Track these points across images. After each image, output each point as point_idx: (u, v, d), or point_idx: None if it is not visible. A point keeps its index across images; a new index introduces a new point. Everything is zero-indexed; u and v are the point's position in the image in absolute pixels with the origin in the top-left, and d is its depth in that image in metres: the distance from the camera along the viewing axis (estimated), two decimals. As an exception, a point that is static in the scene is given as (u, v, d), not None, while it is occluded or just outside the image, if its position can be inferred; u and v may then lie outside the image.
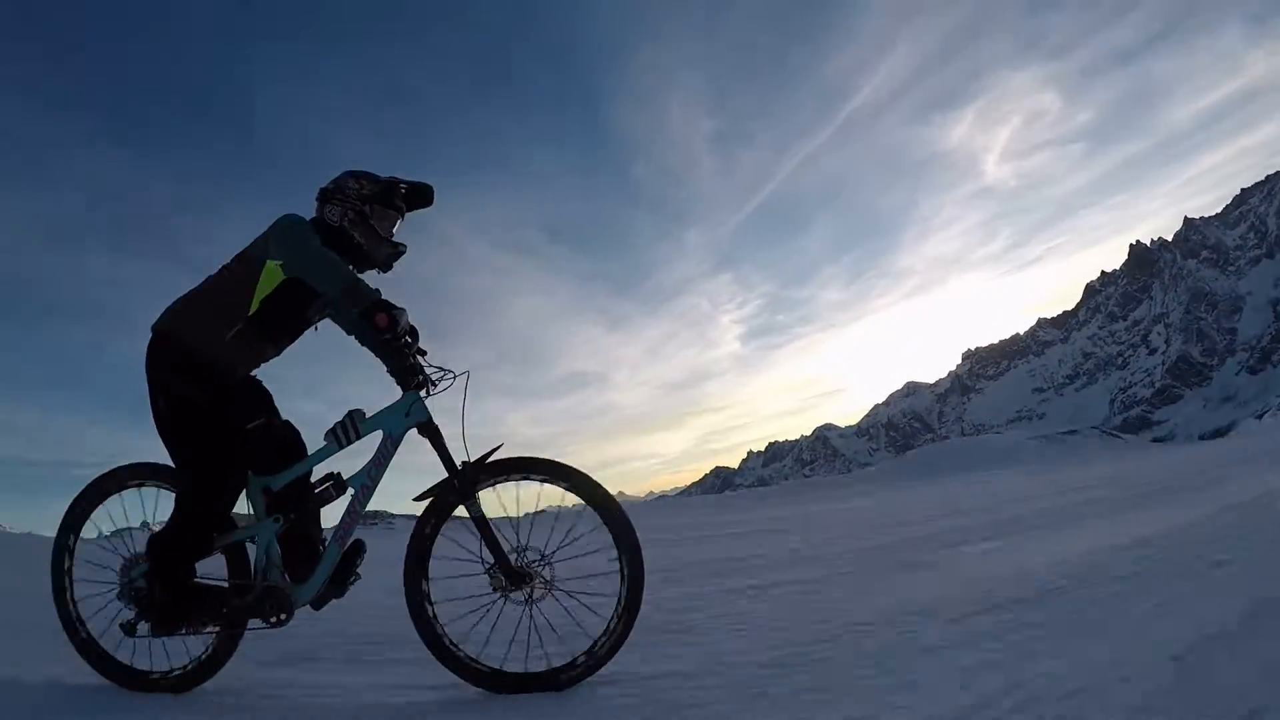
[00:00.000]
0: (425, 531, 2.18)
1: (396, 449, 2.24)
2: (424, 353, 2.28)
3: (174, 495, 2.25)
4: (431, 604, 2.16)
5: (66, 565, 2.37)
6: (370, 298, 2.01)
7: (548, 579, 2.15)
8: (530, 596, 2.13)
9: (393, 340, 2.05)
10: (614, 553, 2.13)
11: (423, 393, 2.21)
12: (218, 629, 2.22)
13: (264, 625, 2.19)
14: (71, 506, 2.39)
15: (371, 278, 2.34)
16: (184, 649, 2.28)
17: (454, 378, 2.28)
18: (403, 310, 2.03)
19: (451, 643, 2.13)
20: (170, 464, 2.25)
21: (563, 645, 2.13)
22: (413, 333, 2.24)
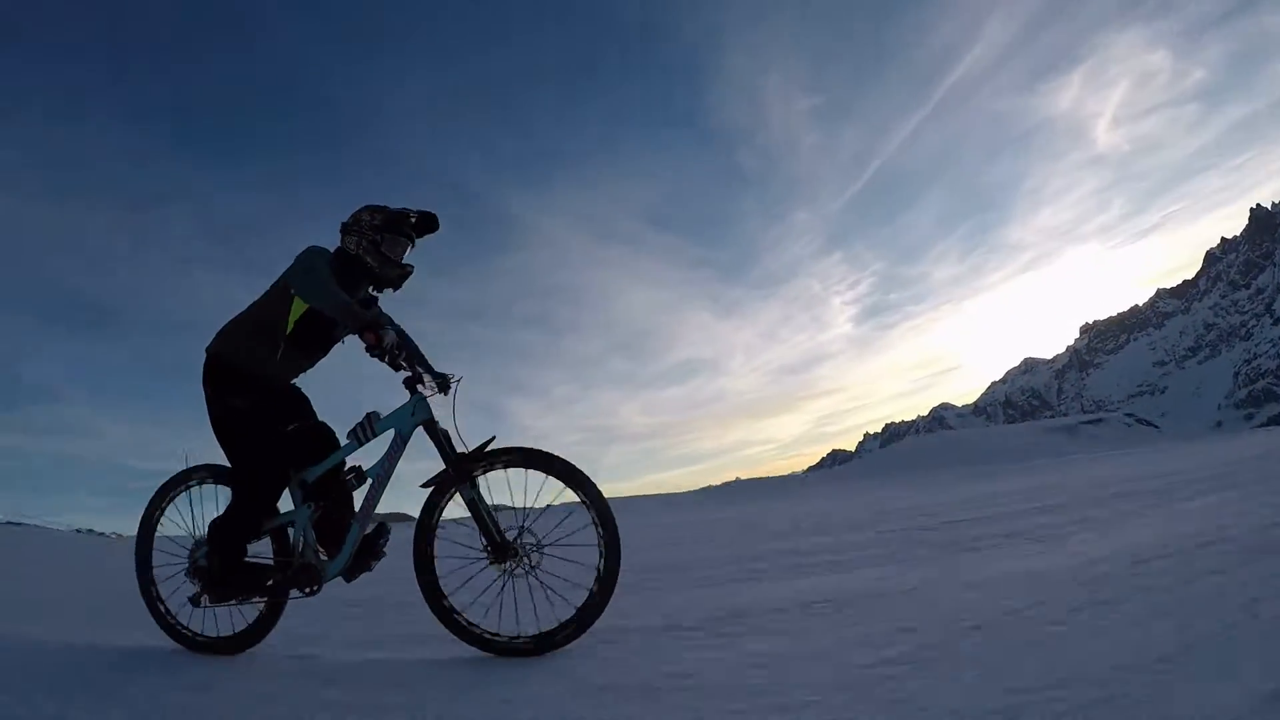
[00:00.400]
0: (430, 513, 2.54)
1: (406, 444, 2.61)
2: (424, 360, 2.66)
3: (229, 489, 2.71)
4: (436, 574, 2.51)
5: (147, 549, 2.85)
6: (360, 321, 2.39)
7: (533, 553, 2.47)
8: (508, 570, 2.45)
9: (379, 355, 2.44)
10: (595, 530, 2.43)
11: (428, 394, 2.58)
12: (264, 599, 2.64)
13: (300, 595, 2.60)
14: (151, 500, 2.88)
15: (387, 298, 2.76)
16: (241, 617, 2.71)
17: (457, 381, 2.65)
18: (388, 330, 2.40)
19: (453, 608, 2.47)
20: (226, 464, 2.70)
21: (551, 613, 2.43)
22: (409, 345, 2.63)
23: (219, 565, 2.56)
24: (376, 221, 2.64)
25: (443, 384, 2.66)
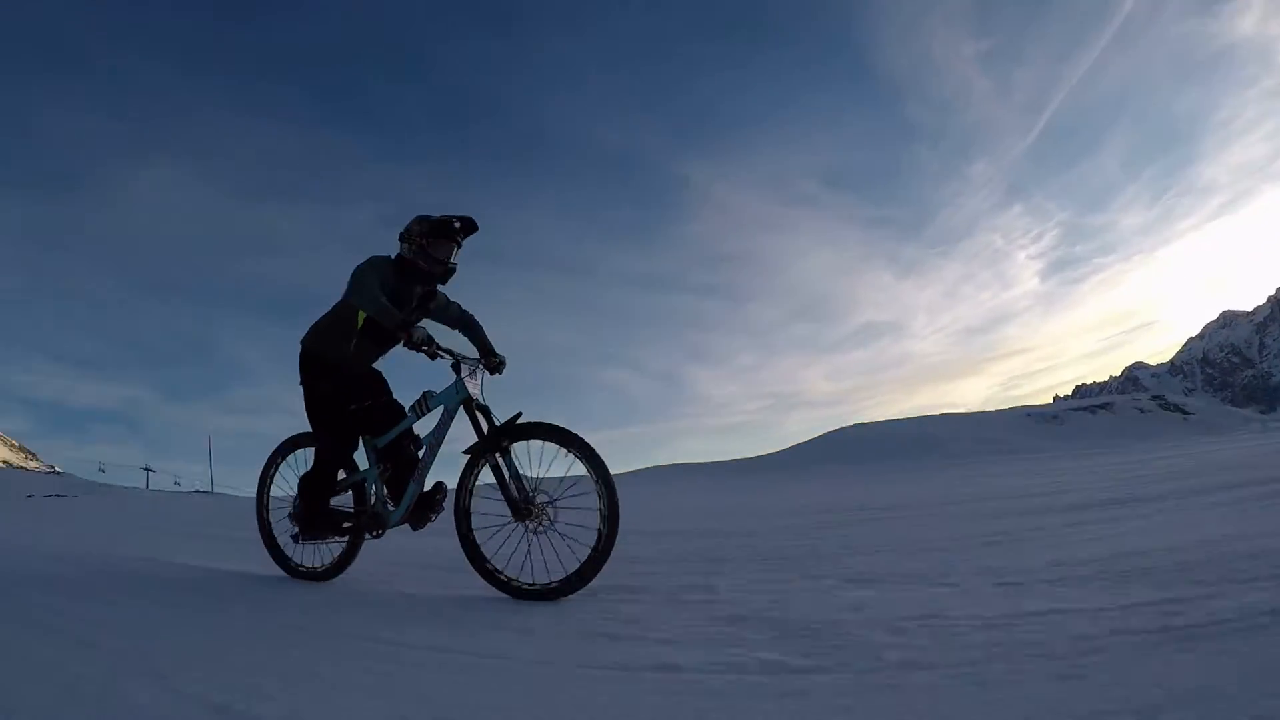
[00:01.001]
0: (467, 476, 3.01)
1: (453, 418, 3.09)
2: (451, 352, 3.08)
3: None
4: (471, 528, 2.97)
5: (264, 498, 3.59)
6: (393, 321, 2.89)
7: (547, 513, 2.87)
8: (532, 528, 2.86)
9: (413, 348, 2.94)
10: (597, 499, 2.78)
11: (465, 376, 3.05)
12: (343, 540, 3.27)
13: (371, 537, 3.19)
14: (266, 461, 3.61)
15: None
16: (329, 552, 3.36)
17: (478, 366, 3.15)
18: (417, 328, 2.91)
19: (485, 557, 2.92)
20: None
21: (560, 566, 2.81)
22: (474, 330, 3.32)
23: (305, 511, 3.21)
24: (424, 229, 3.12)
25: (491, 365, 3.20)
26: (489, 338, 3.41)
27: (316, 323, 3.30)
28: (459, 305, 3.43)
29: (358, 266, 3.08)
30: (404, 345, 2.97)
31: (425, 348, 2.96)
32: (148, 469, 57.33)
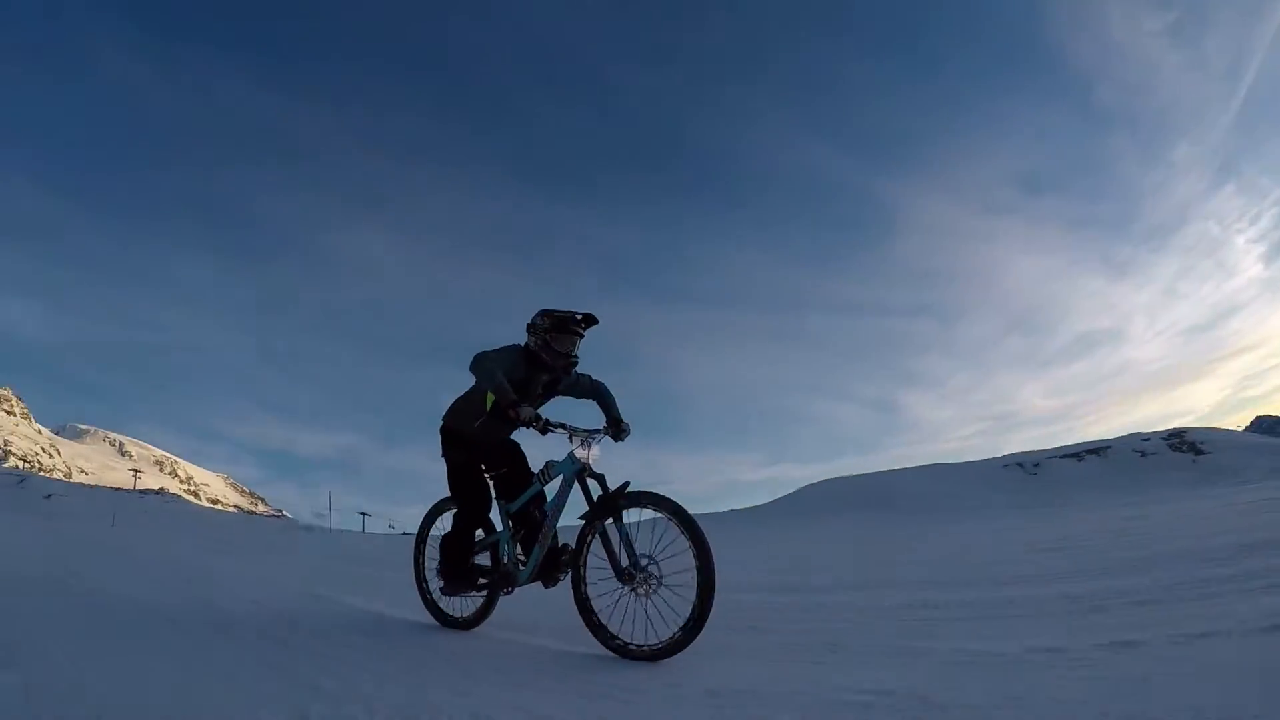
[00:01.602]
0: (581, 541, 3.32)
1: (571, 486, 3.45)
2: (564, 425, 3.44)
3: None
4: (584, 589, 3.26)
5: (420, 555, 4.18)
6: (505, 400, 3.28)
7: (653, 578, 3.08)
8: (637, 591, 3.09)
9: (524, 425, 3.32)
10: (693, 561, 2.96)
11: (576, 448, 3.40)
12: (481, 594, 3.72)
13: (503, 594, 3.62)
14: (422, 520, 4.23)
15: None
16: (472, 604, 3.83)
17: (599, 435, 3.49)
18: (523, 407, 3.28)
19: (595, 614, 3.18)
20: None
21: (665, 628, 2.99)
22: (604, 398, 3.71)
23: (446, 568, 3.72)
24: (547, 324, 3.49)
25: (615, 433, 3.58)
26: (617, 405, 3.75)
27: (453, 404, 3.83)
28: (589, 377, 3.78)
29: (485, 353, 3.51)
30: (515, 422, 3.38)
31: (534, 424, 3.35)
32: (364, 514, 65.86)
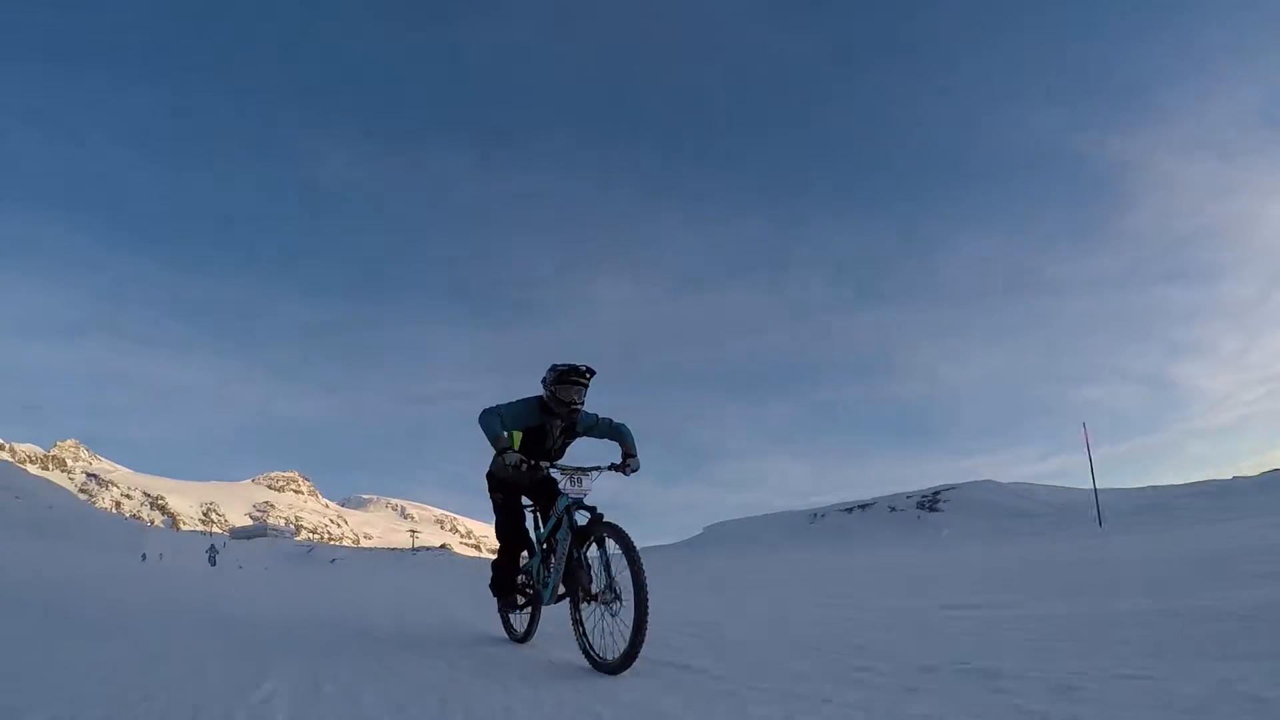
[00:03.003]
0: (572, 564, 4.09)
1: (562, 517, 4.10)
2: (551, 465, 4.16)
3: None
4: (575, 607, 3.93)
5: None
6: (495, 447, 4.07)
7: (612, 602, 3.66)
8: (607, 611, 3.68)
9: (511, 468, 4.02)
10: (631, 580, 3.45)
11: (564, 486, 4.07)
12: (526, 609, 4.63)
13: (535, 613, 4.52)
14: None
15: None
16: (524, 620, 4.72)
17: (593, 472, 4.17)
18: (508, 453, 3.96)
19: (584, 631, 3.80)
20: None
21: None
22: (621, 436, 4.37)
23: (493, 589, 4.67)
24: (552, 377, 4.13)
25: (624, 468, 4.26)
26: (633, 442, 4.36)
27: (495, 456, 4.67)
28: (608, 420, 4.43)
29: (490, 408, 4.17)
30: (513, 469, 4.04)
31: (518, 466, 3.99)
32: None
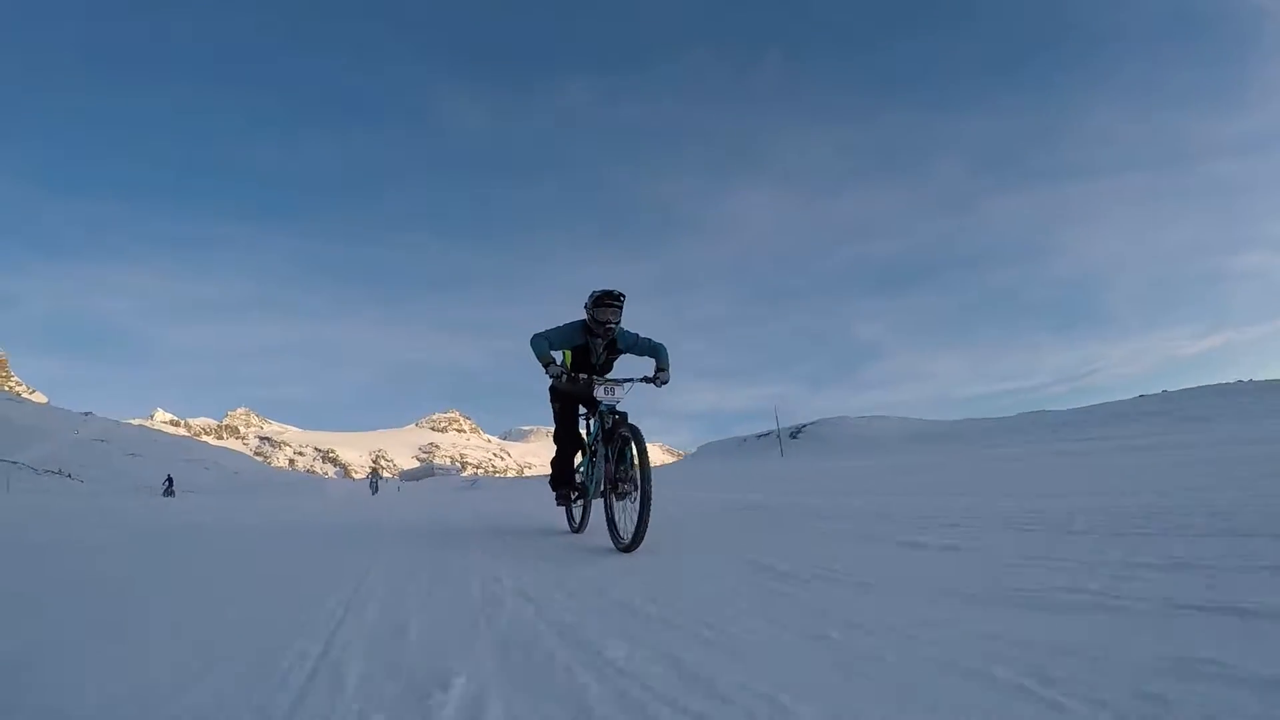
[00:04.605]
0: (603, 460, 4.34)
1: (600, 423, 4.48)
2: (585, 375, 4.50)
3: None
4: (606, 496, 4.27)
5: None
6: (542, 360, 4.43)
7: (625, 492, 4.02)
8: (616, 496, 4.06)
9: (555, 379, 4.46)
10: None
11: (600, 395, 4.38)
12: (578, 503, 5.04)
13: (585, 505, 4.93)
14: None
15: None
16: (579, 514, 5.15)
17: (626, 383, 4.46)
18: (551, 366, 4.38)
19: (614, 519, 4.15)
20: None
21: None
22: (657, 356, 4.78)
23: (552, 485, 5.08)
24: (590, 301, 4.55)
25: (656, 380, 4.62)
26: (667, 358, 4.78)
27: None
28: (648, 340, 4.84)
29: (539, 332, 4.58)
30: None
31: (559, 378, 4.46)
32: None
